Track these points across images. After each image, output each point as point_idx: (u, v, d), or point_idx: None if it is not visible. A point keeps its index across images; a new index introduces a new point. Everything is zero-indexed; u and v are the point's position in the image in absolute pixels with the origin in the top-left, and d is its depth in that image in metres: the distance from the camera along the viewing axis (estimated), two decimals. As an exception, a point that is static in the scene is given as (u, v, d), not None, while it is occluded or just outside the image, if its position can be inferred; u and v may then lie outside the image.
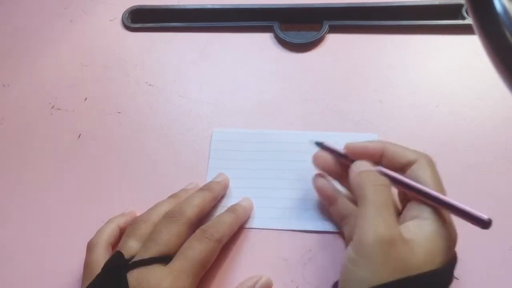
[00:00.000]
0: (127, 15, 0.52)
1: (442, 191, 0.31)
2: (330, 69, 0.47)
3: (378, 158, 0.33)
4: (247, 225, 0.38)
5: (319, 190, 0.37)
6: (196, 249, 0.32)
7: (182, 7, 0.52)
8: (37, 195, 0.41)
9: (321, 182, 0.37)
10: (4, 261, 0.38)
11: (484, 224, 0.28)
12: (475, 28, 0.23)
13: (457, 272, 0.34)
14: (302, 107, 0.44)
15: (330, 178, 0.37)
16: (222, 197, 0.39)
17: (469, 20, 0.48)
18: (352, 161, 0.34)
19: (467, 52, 0.47)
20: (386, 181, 0.31)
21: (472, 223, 0.28)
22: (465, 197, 0.38)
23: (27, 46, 0.51)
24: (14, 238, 0.39)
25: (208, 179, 0.40)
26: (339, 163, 0.36)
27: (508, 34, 0.21)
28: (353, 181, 0.32)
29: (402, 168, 0.32)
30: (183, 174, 0.41)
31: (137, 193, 0.40)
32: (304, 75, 0.47)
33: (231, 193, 0.40)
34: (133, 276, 0.30)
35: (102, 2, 0.54)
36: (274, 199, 0.39)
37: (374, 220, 0.28)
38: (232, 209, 0.37)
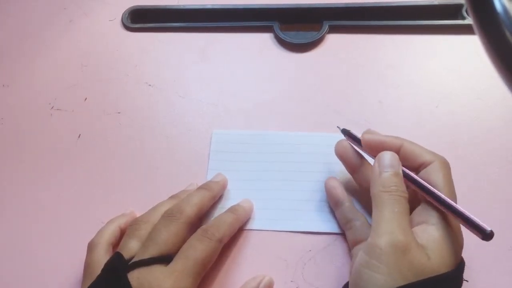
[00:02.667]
0: (126, 15, 0.52)
1: (451, 195, 0.30)
2: (330, 70, 0.47)
3: None
4: (248, 227, 0.38)
5: (329, 190, 0.37)
6: (197, 249, 0.32)
7: (182, 7, 0.52)
8: (37, 195, 0.41)
9: (332, 183, 0.37)
10: (4, 262, 0.38)
11: (486, 235, 0.28)
12: (475, 28, 0.23)
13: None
14: (302, 107, 0.44)
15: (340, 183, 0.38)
16: (221, 198, 0.39)
17: (469, 20, 0.48)
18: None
19: (467, 52, 0.47)
20: (405, 192, 0.30)
21: (474, 232, 0.28)
22: (465, 198, 0.38)
23: (27, 46, 0.51)
24: (13, 238, 0.39)
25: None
26: (359, 158, 0.35)
27: (508, 34, 0.21)
28: (373, 179, 0.32)
29: (417, 167, 0.32)
30: (183, 174, 0.41)
31: (137, 193, 0.40)
32: (304, 75, 0.47)
33: (231, 195, 0.40)
34: (133, 276, 0.30)
35: (102, 2, 0.54)
36: (275, 200, 0.39)
37: (390, 224, 0.28)
38: (232, 209, 0.37)
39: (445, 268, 0.28)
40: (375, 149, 0.33)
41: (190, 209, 0.34)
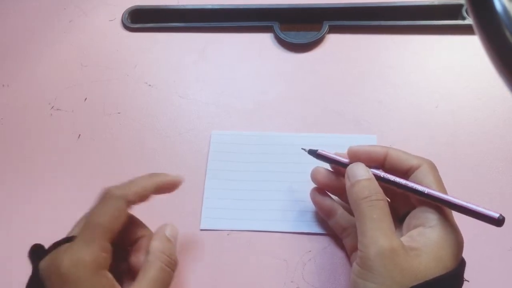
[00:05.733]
0: (126, 15, 0.52)
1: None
2: (330, 70, 0.47)
3: (380, 162, 0.33)
4: (247, 228, 0.38)
5: (316, 204, 0.37)
6: (95, 213, 0.30)
7: (182, 7, 0.52)
8: (37, 195, 0.41)
9: (318, 196, 0.37)
10: (3, 262, 0.37)
11: (497, 222, 0.28)
12: (475, 28, 0.23)
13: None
14: (301, 108, 0.44)
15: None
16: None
17: (469, 20, 0.48)
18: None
19: (467, 52, 0.47)
20: (379, 194, 0.30)
21: (485, 222, 0.28)
22: (464, 198, 0.38)
23: (27, 46, 0.51)
24: (13, 238, 0.39)
25: (207, 181, 0.40)
26: (339, 176, 0.35)
27: (508, 34, 0.21)
28: (348, 193, 0.32)
29: (404, 173, 0.32)
30: (183, 174, 0.41)
31: (137, 194, 0.40)
32: (304, 76, 0.47)
33: (231, 195, 0.40)
34: (44, 261, 0.29)
35: (102, 2, 0.54)
36: (274, 201, 0.39)
37: (373, 234, 0.29)
38: (151, 173, 0.34)
39: (443, 270, 0.28)
40: (361, 159, 0.33)
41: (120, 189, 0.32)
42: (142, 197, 0.32)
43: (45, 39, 0.52)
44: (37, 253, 0.30)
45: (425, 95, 0.44)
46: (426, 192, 0.30)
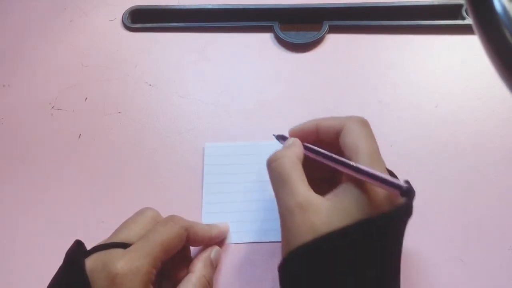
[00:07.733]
0: (127, 15, 0.52)
1: (373, 152, 0.29)
2: (330, 69, 0.47)
3: (315, 136, 0.33)
4: (247, 240, 0.37)
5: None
6: (158, 231, 0.31)
7: (182, 7, 0.52)
8: (37, 195, 0.41)
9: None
10: (3, 261, 0.38)
11: (402, 191, 0.25)
12: (475, 28, 0.23)
13: (455, 271, 0.34)
14: (301, 107, 0.45)
15: None
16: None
17: (469, 20, 0.48)
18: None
19: (467, 52, 0.47)
20: (284, 154, 0.30)
21: (391, 190, 0.26)
22: (464, 197, 0.38)
23: (27, 46, 0.51)
24: (13, 238, 0.39)
25: (205, 195, 0.40)
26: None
27: (508, 34, 0.21)
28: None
29: (337, 138, 0.31)
30: (182, 174, 0.41)
31: (137, 193, 0.40)
32: (304, 75, 0.47)
33: (230, 208, 0.39)
34: (90, 260, 0.29)
35: (102, 2, 0.54)
36: (272, 210, 0.39)
37: (279, 192, 0.29)
38: (207, 224, 0.37)
39: (349, 221, 0.26)
40: (298, 137, 0.34)
41: (181, 220, 0.33)
42: (199, 239, 0.34)
43: (45, 39, 0.52)
44: (76, 249, 0.31)
45: (425, 95, 0.44)
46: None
